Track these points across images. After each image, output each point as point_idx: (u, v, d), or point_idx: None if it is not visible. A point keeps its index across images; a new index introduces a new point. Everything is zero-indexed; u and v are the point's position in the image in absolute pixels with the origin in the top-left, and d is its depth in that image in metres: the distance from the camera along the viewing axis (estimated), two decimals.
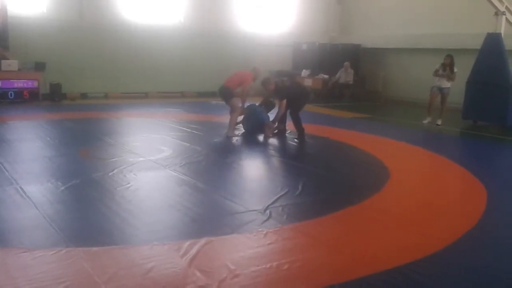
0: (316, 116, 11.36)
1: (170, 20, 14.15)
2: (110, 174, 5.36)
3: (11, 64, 11.17)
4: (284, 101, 7.82)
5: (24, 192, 4.58)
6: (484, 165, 6.91)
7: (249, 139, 7.78)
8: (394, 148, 7.85)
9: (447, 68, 10.14)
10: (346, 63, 14.94)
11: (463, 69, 10.74)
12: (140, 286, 2.91)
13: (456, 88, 10.70)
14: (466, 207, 4.87)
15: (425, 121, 10.45)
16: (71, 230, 3.77)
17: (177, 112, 10.88)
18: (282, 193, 4.92)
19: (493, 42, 10.22)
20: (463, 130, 10.26)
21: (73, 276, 2.98)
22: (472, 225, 4.25)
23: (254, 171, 6.28)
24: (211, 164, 6.30)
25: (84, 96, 12.88)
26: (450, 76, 10.14)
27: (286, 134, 8.23)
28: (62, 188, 4.81)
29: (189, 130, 8.54)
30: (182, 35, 14.01)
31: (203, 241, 3.59)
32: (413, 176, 6.07)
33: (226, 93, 7.92)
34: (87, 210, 4.28)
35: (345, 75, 15.02)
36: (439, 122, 10.29)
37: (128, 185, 4.99)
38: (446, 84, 10.26)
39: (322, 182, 5.58)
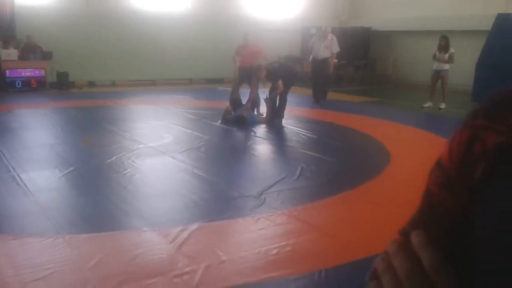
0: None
1: (177, 7, 14.07)
2: (108, 161, 5.37)
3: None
4: (280, 82, 7.79)
5: (21, 179, 4.60)
6: None
7: (250, 125, 7.72)
8: (399, 132, 7.73)
9: (443, 50, 9.97)
10: (325, 27, 10.47)
11: (473, 51, 10.52)
12: (125, 272, 2.91)
13: (466, 70, 10.50)
14: None
15: (426, 105, 10.25)
16: (63, 217, 3.78)
17: (184, 98, 10.86)
18: (279, 178, 4.88)
19: (503, 23, 9.99)
20: None
21: (59, 262, 2.98)
22: None
23: (254, 157, 6.24)
24: (211, 150, 6.27)
25: (91, 84, 12.93)
26: (447, 60, 9.96)
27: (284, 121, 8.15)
28: (60, 175, 4.83)
29: (193, 116, 8.52)
30: (190, 22, 13.92)
31: (193, 227, 3.57)
32: (414, 160, 5.95)
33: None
34: (82, 197, 4.30)
35: (321, 46, 10.22)
36: (442, 105, 10.08)
37: (125, 171, 4.99)
38: (443, 66, 10.04)
39: (321, 167, 5.51)
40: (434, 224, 0.63)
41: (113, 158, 5.47)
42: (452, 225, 0.61)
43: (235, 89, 8.67)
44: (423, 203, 0.68)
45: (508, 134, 0.54)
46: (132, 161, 5.41)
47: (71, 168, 5.04)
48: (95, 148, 6.19)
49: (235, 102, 8.22)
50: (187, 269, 2.95)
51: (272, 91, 8.06)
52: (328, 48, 10.24)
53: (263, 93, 8.24)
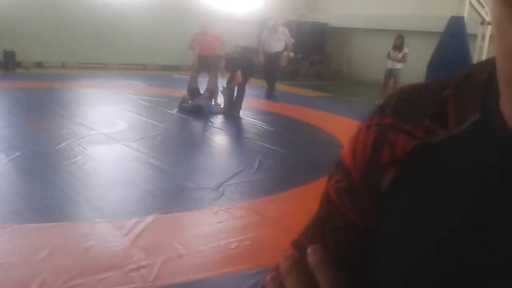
0: (279, 94, 11.26)
1: None
2: (57, 147, 5.11)
3: None
4: (238, 73, 7.71)
5: None
6: None
7: (207, 115, 7.61)
8: (353, 128, 7.76)
9: (398, 49, 10.28)
10: (276, 20, 10.25)
11: (426, 51, 10.78)
12: (78, 265, 2.76)
13: (418, 70, 10.74)
14: None
15: (377, 102, 10.47)
16: (10, 205, 3.56)
17: (138, 84, 10.56)
18: (238, 170, 4.82)
19: (456, 25, 10.28)
20: None
21: (6, 254, 2.81)
22: None
23: (211, 147, 6.14)
24: (167, 139, 6.11)
25: (39, 65, 12.32)
26: (401, 59, 10.26)
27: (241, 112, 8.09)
28: (5, 160, 4.56)
29: (148, 104, 8.29)
30: (145, 6, 13.53)
31: (149, 219, 3.45)
32: None
33: None
34: (29, 184, 4.07)
35: (272, 40, 9.97)
36: None
37: (76, 159, 4.76)
38: (396, 65, 10.36)
39: (279, 160, 5.49)
40: (333, 237, 0.54)
41: (62, 144, 5.22)
42: (354, 239, 0.53)
43: (193, 78, 8.50)
44: (320, 211, 0.57)
45: (422, 135, 0.47)
46: (83, 148, 5.18)
47: (18, 153, 4.76)
48: (43, 133, 5.88)
49: (193, 91, 8.07)
50: (143, 262, 2.84)
51: (230, 81, 7.96)
52: (279, 42, 9.99)
53: (222, 83, 8.13)
